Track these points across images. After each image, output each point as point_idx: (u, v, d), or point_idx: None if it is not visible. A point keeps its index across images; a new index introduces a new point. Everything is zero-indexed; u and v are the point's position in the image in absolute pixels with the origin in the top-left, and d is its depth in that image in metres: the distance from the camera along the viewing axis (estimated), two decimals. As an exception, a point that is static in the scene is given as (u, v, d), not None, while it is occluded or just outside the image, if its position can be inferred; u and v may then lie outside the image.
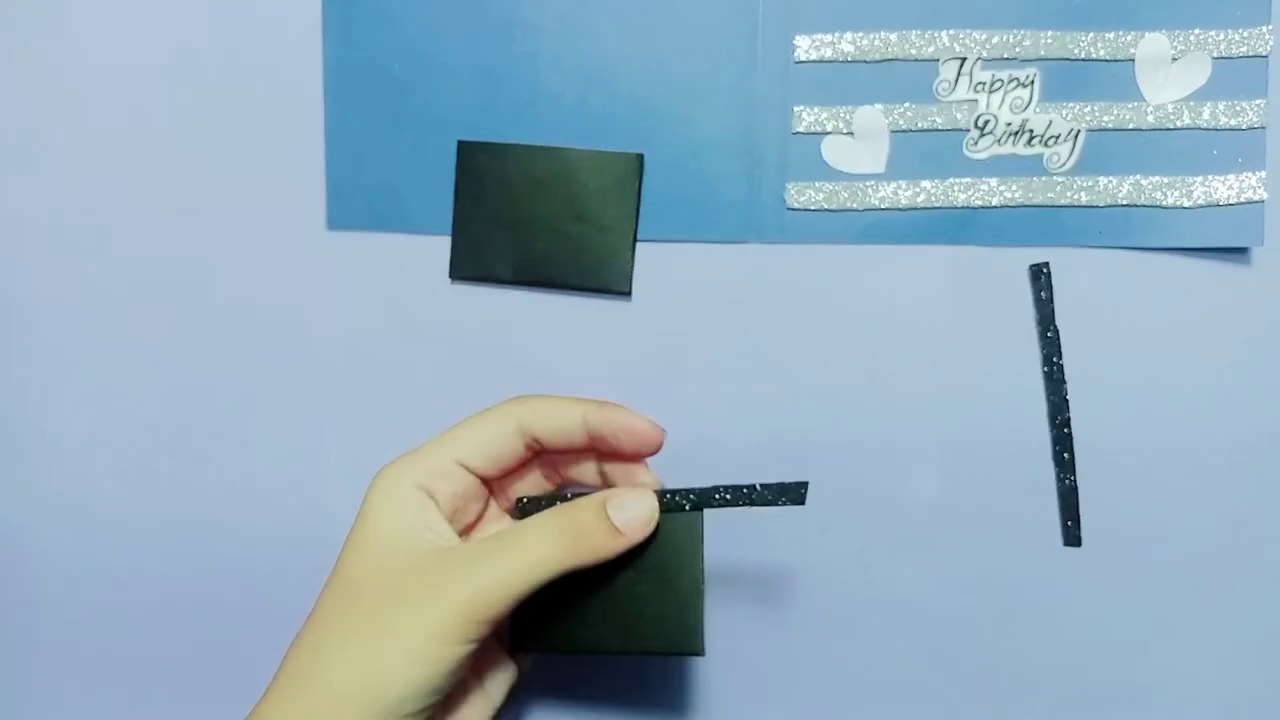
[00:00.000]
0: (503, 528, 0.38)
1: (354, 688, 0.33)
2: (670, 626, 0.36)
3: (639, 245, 0.43)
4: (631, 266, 0.42)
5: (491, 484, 0.38)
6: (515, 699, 0.41)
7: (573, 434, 0.37)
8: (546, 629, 0.37)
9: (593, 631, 0.36)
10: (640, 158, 0.42)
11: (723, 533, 0.43)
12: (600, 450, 0.38)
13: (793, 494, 0.35)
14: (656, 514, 0.36)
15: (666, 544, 0.36)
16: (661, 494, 0.36)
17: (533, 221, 0.43)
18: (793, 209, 0.42)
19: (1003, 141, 0.42)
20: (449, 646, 0.33)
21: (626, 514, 0.35)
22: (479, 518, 0.38)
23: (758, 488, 0.35)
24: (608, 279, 0.42)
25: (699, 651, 0.36)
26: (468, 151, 0.42)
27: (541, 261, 0.43)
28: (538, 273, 0.43)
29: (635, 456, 0.37)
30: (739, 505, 0.36)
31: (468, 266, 0.43)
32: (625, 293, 0.43)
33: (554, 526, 0.35)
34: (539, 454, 0.38)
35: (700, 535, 0.36)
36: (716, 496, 0.36)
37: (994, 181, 0.42)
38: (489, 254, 0.43)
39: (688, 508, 0.36)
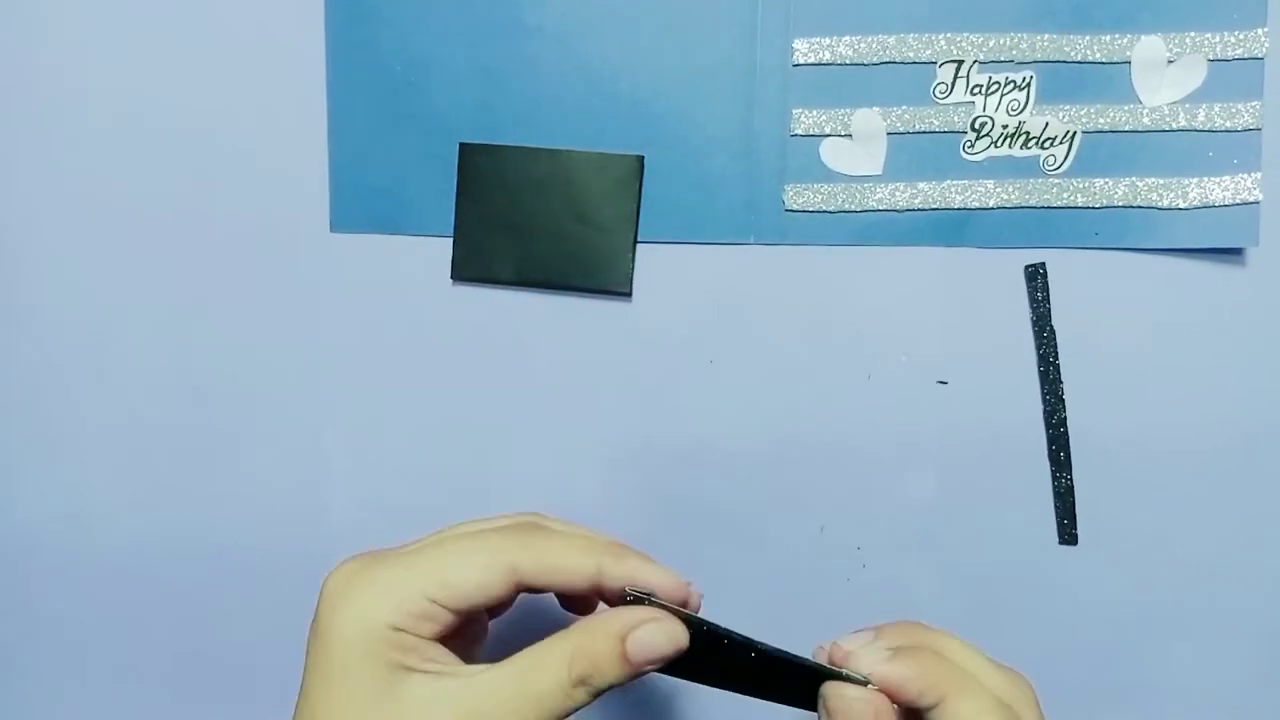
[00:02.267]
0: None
1: None
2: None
3: (639, 246, 0.43)
4: (632, 267, 0.43)
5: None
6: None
7: (579, 587, 0.32)
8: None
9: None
10: (641, 159, 0.42)
11: (722, 531, 0.43)
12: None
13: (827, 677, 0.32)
14: (681, 642, 0.32)
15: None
16: (688, 619, 0.32)
17: (534, 223, 0.43)
18: (791, 210, 0.43)
19: (999, 144, 0.42)
20: None
21: (644, 652, 0.31)
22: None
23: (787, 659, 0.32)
24: (608, 279, 0.43)
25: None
26: (469, 153, 0.43)
27: (543, 262, 0.43)
28: (539, 273, 0.43)
29: None
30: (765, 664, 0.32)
31: (469, 268, 0.43)
32: (626, 293, 0.43)
33: (564, 656, 0.31)
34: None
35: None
36: (753, 654, 0.32)
37: (990, 183, 0.42)
38: (490, 255, 0.43)
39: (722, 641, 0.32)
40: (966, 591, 0.43)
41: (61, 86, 0.44)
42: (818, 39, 0.42)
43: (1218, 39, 0.41)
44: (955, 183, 0.42)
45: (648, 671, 0.31)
